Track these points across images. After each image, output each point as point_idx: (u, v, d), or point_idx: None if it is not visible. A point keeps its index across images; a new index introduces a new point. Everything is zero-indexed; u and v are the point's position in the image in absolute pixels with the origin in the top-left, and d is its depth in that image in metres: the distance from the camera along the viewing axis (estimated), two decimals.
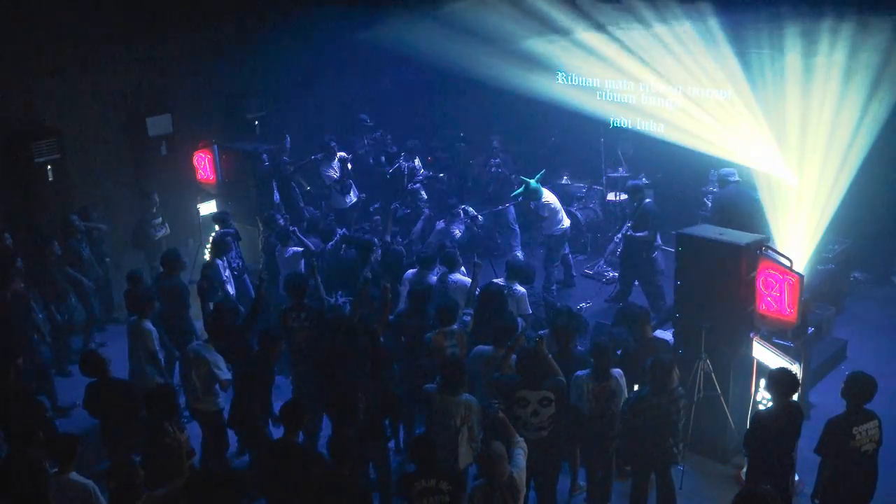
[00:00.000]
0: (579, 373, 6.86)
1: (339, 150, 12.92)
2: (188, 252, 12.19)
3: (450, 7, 13.19)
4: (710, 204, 11.06)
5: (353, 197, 12.91)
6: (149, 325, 8.18)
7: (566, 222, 11.44)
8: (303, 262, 10.12)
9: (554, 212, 11.29)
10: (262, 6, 13.70)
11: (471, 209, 11.83)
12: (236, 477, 5.46)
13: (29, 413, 7.03)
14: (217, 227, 10.98)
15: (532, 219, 12.09)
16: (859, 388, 6.15)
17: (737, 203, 10.29)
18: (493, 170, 13.47)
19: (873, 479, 6.27)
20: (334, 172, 12.69)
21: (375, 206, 13.42)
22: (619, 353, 7.24)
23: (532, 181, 11.15)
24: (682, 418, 6.79)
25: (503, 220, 12.62)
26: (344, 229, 11.02)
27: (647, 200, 10.67)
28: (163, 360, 8.40)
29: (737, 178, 10.61)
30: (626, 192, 11.46)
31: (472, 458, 6.83)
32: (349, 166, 12.82)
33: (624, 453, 7.13)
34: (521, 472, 5.54)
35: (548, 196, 11.30)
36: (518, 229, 12.62)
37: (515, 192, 11.51)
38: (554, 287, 11.44)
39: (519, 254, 12.20)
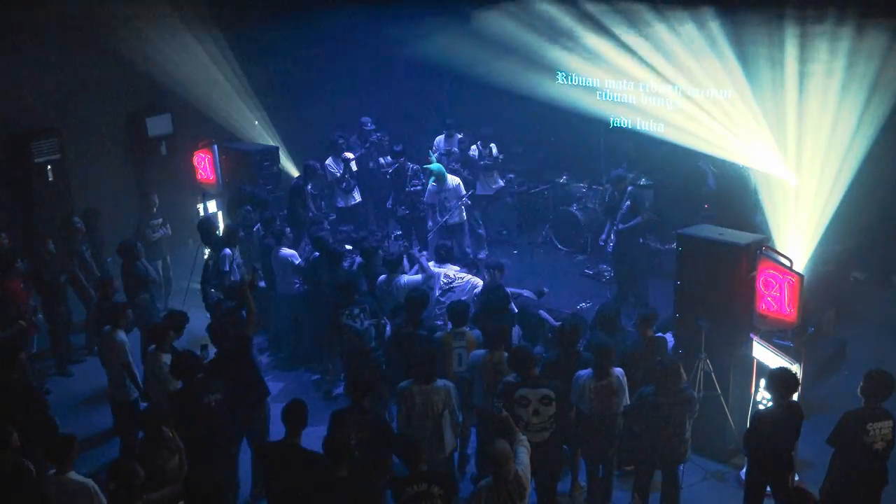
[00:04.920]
0: (581, 372, 6.87)
1: (347, 150, 12.83)
2: (188, 252, 12.19)
3: (452, 9, 13.20)
4: (711, 180, 11.33)
5: (356, 197, 12.83)
6: (121, 335, 7.89)
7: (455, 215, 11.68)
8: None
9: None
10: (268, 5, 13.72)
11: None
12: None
13: (31, 409, 7.04)
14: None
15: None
16: (878, 386, 6.11)
17: (734, 186, 11.01)
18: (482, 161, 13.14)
19: (882, 479, 6.22)
20: (336, 170, 12.65)
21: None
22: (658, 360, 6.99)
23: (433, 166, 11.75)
24: (691, 417, 6.77)
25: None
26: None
27: (630, 188, 10.63)
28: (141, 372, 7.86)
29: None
30: (608, 182, 11.39)
31: (455, 442, 6.89)
32: (353, 167, 12.72)
33: (628, 452, 7.14)
34: (525, 469, 5.56)
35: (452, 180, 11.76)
36: (483, 233, 12.82)
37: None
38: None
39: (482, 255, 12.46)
